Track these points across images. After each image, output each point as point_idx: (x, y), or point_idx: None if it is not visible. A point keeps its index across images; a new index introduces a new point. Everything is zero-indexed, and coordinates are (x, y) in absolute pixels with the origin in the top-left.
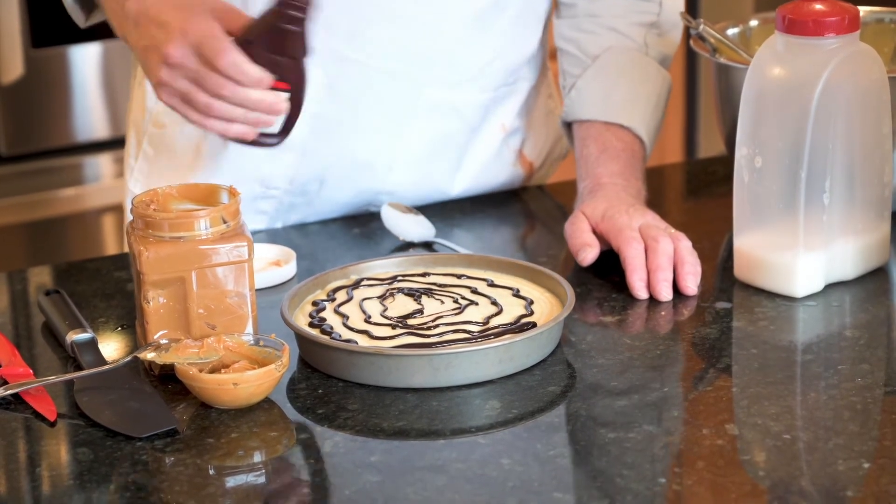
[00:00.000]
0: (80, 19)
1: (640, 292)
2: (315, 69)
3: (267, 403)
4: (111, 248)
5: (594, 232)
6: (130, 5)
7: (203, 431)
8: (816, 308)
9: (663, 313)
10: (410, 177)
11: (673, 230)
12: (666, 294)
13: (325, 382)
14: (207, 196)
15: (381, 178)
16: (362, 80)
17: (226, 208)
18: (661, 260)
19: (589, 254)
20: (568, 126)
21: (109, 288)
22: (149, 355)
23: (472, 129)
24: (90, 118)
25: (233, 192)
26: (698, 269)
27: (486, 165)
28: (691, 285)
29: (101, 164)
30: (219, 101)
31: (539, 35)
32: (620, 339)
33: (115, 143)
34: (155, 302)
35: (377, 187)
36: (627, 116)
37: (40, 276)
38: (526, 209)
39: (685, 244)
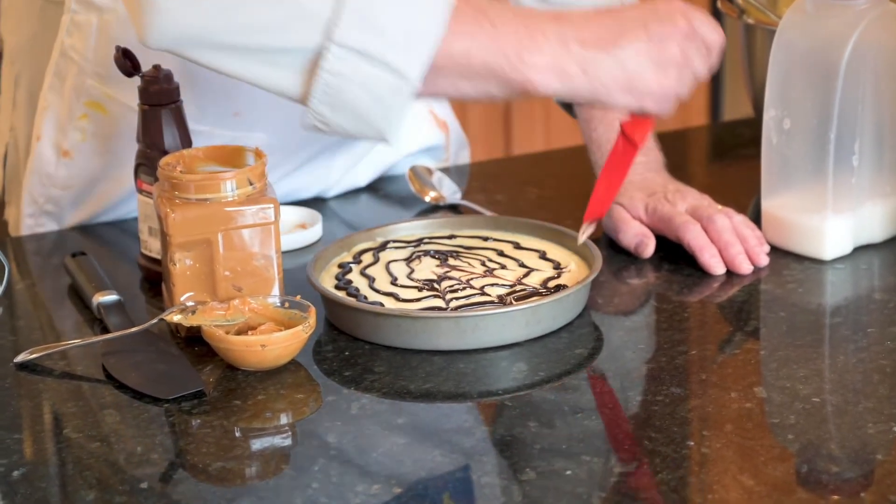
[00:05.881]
0: None
1: (718, 268)
2: None
3: (293, 365)
4: None
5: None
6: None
7: (230, 393)
8: (845, 271)
9: (691, 277)
10: (352, 170)
11: (719, 206)
12: (746, 266)
13: (352, 345)
14: (233, 157)
15: (326, 182)
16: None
17: (252, 170)
18: (726, 236)
19: (649, 246)
20: (566, 104)
21: (136, 249)
22: (175, 317)
23: None
24: None
25: (259, 154)
26: (762, 240)
27: (408, 135)
28: (763, 258)
29: None
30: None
31: None
32: (647, 301)
33: None
34: (181, 264)
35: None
36: None
37: (66, 238)
38: (548, 172)
39: (738, 218)
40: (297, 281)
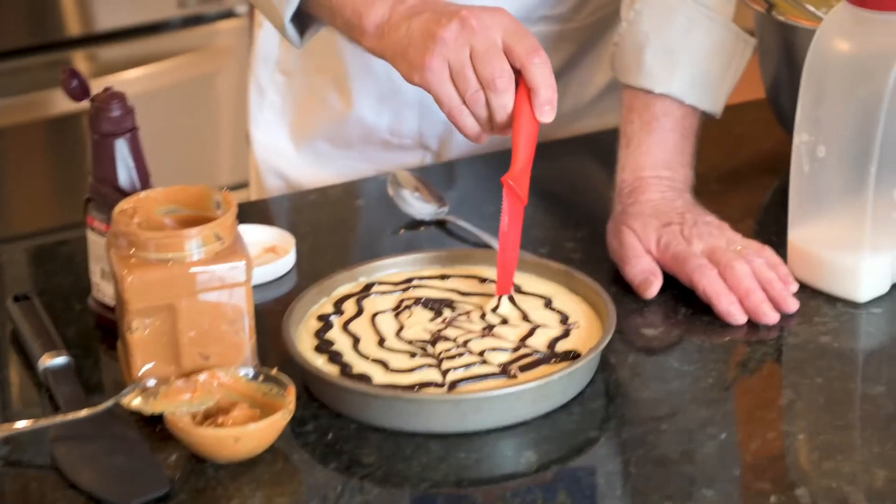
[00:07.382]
0: (296, 42)
1: (738, 317)
2: None
3: (270, 454)
4: None
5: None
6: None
7: (198, 495)
8: (882, 317)
9: (711, 325)
10: None
11: (740, 244)
12: (772, 316)
13: (336, 423)
14: (198, 200)
15: None
16: None
17: (220, 224)
18: (747, 283)
19: (653, 286)
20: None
21: (87, 283)
22: (134, 402)
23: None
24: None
25: (227, 200)
26: (789, 279)
27: None
28: (790, 302)
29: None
30: (481, 94)
31: None
32: (666, 361)
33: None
34: (139, 332)
35: None
36: (664, 82)
37: (13, 265)
38: (548, 169)
39: (760, 262)
40: (268, 328)
